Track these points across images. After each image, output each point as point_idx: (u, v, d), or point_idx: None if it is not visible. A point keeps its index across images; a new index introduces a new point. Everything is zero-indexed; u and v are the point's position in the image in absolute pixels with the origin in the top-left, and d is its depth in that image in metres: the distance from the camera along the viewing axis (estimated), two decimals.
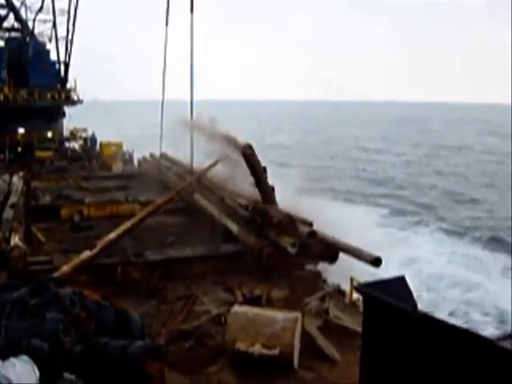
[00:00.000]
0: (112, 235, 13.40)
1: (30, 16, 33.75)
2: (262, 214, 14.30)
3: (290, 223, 13.37)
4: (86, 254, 12.35)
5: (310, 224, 13.51)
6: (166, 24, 21.82)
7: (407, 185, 50.96)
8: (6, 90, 31.34)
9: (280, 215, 13.77)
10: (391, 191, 47.46)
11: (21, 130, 31.58)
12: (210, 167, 19.41)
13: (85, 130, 35.56)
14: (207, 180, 19.50)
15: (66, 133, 35.05)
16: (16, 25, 34.10)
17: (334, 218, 17.36)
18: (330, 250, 12.85)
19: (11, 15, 34.05)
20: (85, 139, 35.08)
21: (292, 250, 12.77)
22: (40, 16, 33.54)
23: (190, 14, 19.17)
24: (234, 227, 14.93)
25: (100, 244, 12.87)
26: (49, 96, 32.70)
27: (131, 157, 33.10)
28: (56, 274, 10.80)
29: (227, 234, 15.16)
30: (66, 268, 11.41)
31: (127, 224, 14.20)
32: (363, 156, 73.04)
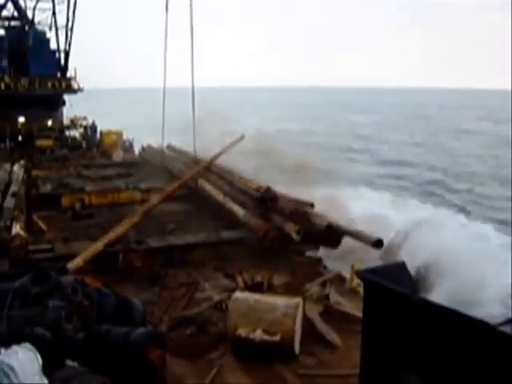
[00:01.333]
0: (120, 228, 13.45)
1: (30, 4, 33.58)
2: (272, 198, 14.36)
3: (302, 215, 13.40)
4: (97, 245, 12.36)
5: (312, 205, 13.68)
6: (166, 10, 21.27)
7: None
8: (6, 78, 31.26)
9: (291, 206, 13.81)
10: None
11: (21, 119, 31.53)
12: (218, 155, 19.46)
13: (85, 118, 35.49)
14: (215, 167, 19.61)
15: (66, 121, 34.96)
16: (15, 13, 33.91)
17: None
18: (333, 235, 12.81)
19: (10, 4, 33.84)
20: (85, 127, 35.02)
21: (296, 237, 12.82)
22: (40, 4, 33.40)
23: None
24: (240, 211, 15.02)
25: (109, 235, 12.89)
26: (50, 85, 32.61)
27: (131, 145, 33.10)
28: (70, 267, 10.78)
29: (231, 219, 15.25)
30: (79, 260, 11.38)
31: (135, 216, 14.30)
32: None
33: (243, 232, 14.09)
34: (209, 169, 19.66)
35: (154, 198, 16.28)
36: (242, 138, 22.46)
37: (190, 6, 18.95)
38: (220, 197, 16.73)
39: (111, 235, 12.90)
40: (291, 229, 13.00)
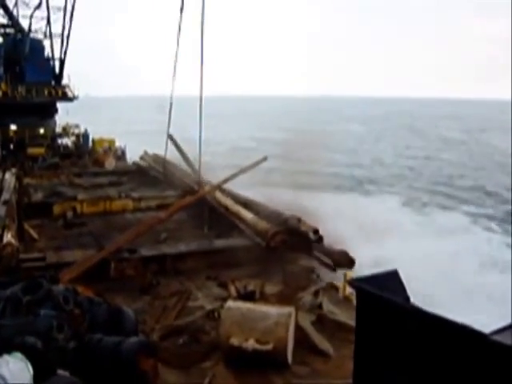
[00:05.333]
0: (120, 240, 13.46)
1: (28, 13, 33.55)
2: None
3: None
4: (94, 256, 12.32)
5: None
6: (181, 11, 19.14)
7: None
8: (3, 86, 31.27)
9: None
10: None
11: (13, 127, 31.47)
12: (229, 179, 19.01)
13: (77, 126, 35.47)
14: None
15: (58, 129, 34.92)
16: (6, 21, 33.89)
17: None
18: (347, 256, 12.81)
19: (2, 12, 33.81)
20: (77, 135, 34.98)
21: (313, 237, 12.87)
22: (37, 13, 33.39)
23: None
24: (248, 215, 15.13)
25: (108, 247, 12.86)
26: (46, 92, 32.66)
27: (124, 153, 33.10)
28: (65, 277, 10.73)
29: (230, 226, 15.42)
30: (74, 271, 11.35)
31: (133, 230, 14.28)
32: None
33: (243, 239, 14.22)
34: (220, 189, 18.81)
35: (162, 213, 16.24)
36: (264, 159, 20.37)
37: (202, 11, 17.39)
38: (228, 201, 16.80)
39: (112, 245, 12.90)
40: (308, 228, 13.11)
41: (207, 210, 17.29)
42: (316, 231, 13.05)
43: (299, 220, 13.58)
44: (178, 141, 22.29)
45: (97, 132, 36.31)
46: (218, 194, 17.76)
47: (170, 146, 22.65)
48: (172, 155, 24.01)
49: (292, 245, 13.34)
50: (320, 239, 12.99)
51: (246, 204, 16.42)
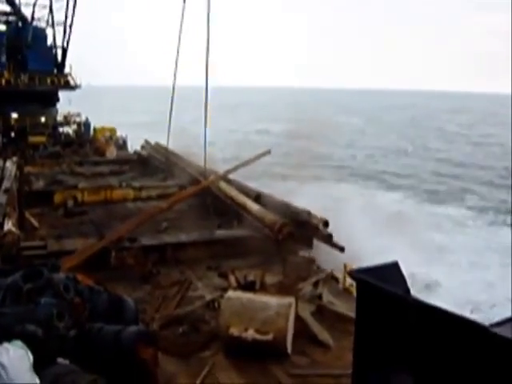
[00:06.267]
0: (121, 229, 13.44)
1: (31, 0, 33.41)
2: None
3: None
4: (95, 244, 12.32)
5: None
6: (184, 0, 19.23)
7: None
8: (6, 74, 31.20)
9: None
10: None
11: (14, 115, 31.42)
12: (237, 167, 19.03)
13: (78, 114, 35.42)
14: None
15: (59, 118, 34.87)
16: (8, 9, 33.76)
17: None
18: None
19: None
20: (78, 124, 34.93)
21: (324, 229, 12.93)
22: (41, 1, 33.26)
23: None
24: (254, 206, 15.13)
25: (109, 236, 12.86)
26: (49, 81, 32.59)
27: (125, 142, 33.08)
28: (65, 265, 10.71)
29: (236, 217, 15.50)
30: (75, 259, 11.36)
31: (135, 219, 14.29)
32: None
33: (250, 230, 14.19)
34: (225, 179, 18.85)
35: (163, 203, 16.24)
36: (268, 152, 20.52)
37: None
38: (233, 191, 16.80)
39: (113, 234, 12.90)
40: (318, 221, 13.14)
41: (211, 200, 17.31)
42: (326, 223, 13.04)
43: (309, 213, 13.58)
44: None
45: (99, 122, 36.26)
46: (224, 185, 17.74)
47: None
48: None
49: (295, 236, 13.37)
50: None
51: (255, 196, 16.41)
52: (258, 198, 16.29)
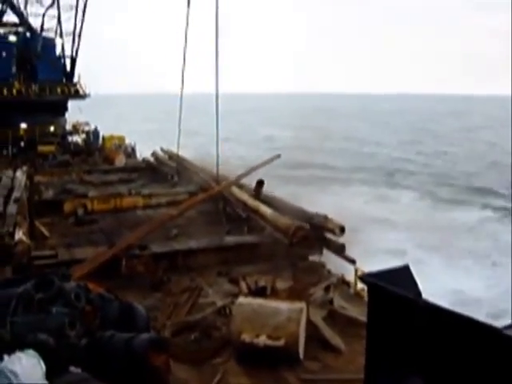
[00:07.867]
0: (131, 237, 13.48)
1: (41, 11, 33.73)
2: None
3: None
4: (105, 252, 12.35)
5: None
6: (188, 5, 18.51)
7: None
8: (16, 84, 31.43)
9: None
10: None
11: (23, 125, 31.61)
12: (248, 172, 19.04)
13: (87, 123, 35.60)
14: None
15: (68, 127, 35.07)
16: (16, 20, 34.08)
17: None
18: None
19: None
20: (87, 133, 35.10)
21: (339, 234, 12.94)
22: (50, 11, 33.59)
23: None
24: (267, 210, 15.13)
25: (119, 244, 12.89)
26: (59, 90, 32.82)
27: (134, 150, 33.20)
28: (76, 274, 10.73)
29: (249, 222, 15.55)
30: (85, 268, 11.40)
31: (145, 227, 14.31)
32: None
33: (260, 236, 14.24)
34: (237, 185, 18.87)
35: (173, 210, 16.29)
36: (277, 156, 20.90)
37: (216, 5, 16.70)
38: (245, 196, 16.85)
39: (123, 242, 12.93)
40: (334, 226, 13.12)
41: (223, 205, 17.38)
42: (342, 229, 13.00)
43: (325, 217, 13.55)
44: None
45: (107, 130, 36.42)
46: (236, 190, 17.77)
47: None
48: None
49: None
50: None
51: (268, 201, 16.43)
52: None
